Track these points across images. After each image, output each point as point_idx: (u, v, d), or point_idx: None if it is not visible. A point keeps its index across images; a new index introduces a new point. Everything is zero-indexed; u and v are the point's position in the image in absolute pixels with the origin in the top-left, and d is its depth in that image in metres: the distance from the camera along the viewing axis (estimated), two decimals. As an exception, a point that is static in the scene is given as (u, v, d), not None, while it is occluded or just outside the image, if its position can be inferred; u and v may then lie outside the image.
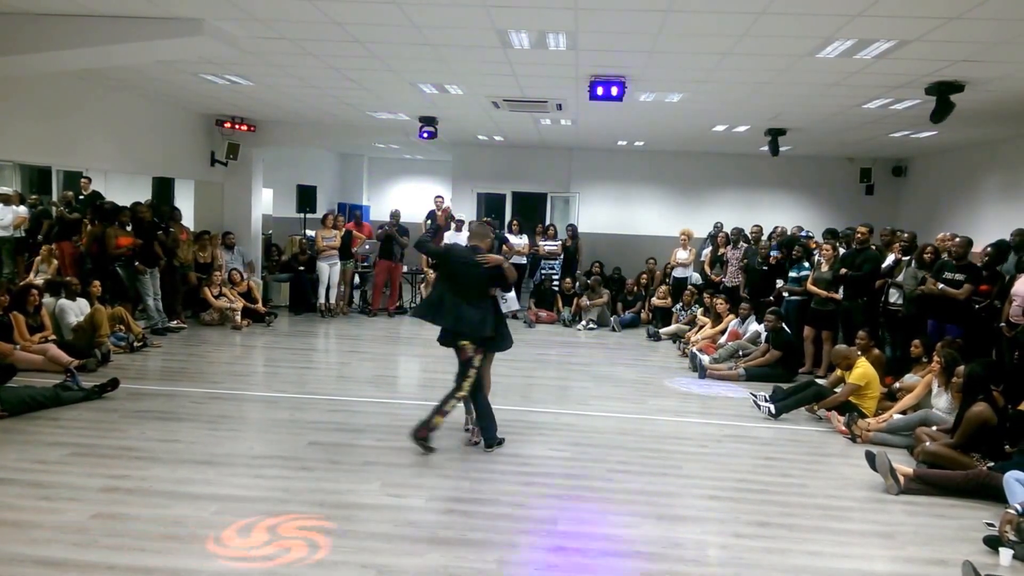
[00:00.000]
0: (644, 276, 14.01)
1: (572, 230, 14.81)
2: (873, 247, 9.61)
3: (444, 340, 6.08)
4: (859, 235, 9.42)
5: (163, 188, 14.91)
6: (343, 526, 4.61)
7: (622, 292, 13.98)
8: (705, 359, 9.68)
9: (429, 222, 13.81)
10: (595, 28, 6.55)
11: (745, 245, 12.16)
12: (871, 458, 5.73)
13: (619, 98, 8.54)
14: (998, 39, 6.31)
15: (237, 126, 13.03)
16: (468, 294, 5.89)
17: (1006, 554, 4.46)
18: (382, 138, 15.22)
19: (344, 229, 13.35)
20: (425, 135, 12.31)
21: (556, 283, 13.86)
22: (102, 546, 4.21)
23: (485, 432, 6.15)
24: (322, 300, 12.98)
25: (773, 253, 11.18)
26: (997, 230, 10.01)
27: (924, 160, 15.09)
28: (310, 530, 4.53)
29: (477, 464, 5.80)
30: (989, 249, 8.43)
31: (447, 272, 6.05)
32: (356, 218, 14.24)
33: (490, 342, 6.06)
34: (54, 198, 14.59)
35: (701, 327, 11.38)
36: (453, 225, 13.54)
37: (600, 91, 8.45)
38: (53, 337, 8.63)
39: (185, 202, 14.22)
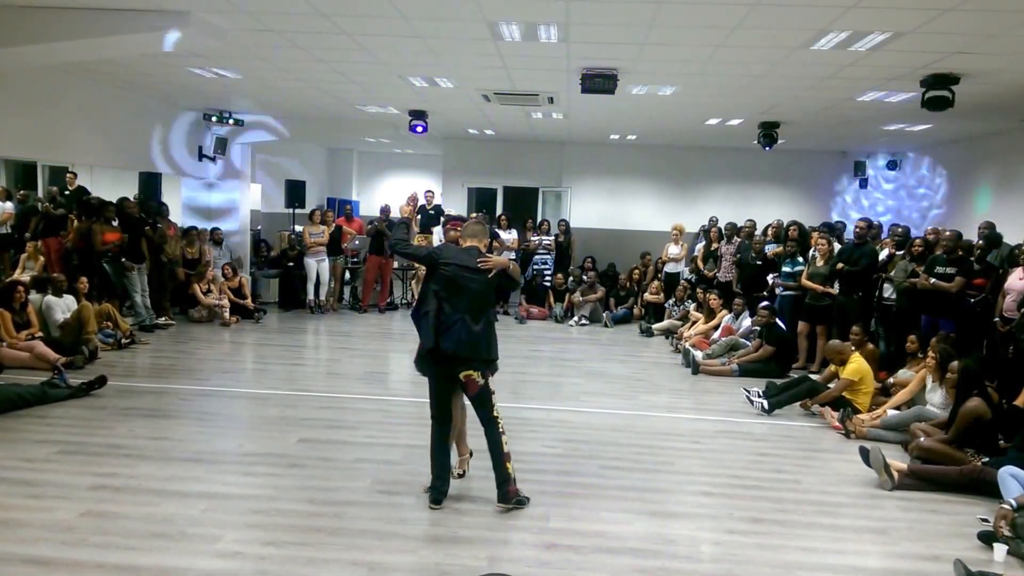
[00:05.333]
0: (636, 272, 13.97)
1: (564, 225, 14.76)
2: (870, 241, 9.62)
3: (437, 367, 4.87)
4: (857, 229, 9.39)
5: (150, 183, 14.80)
6: (334, 523, 4.57)
7: (615, 288, 13.95)
8: (698, 355, 9.65)
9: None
10: (587, 19, 6.49)
11: (739, 240, 12.13)
12: (865, 454, 5.70)
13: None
14: (993, 31, 6.28)
15: (225, 120, 12.93)
16: (470, 307, 4.75)
17: (1000, 550, 4.44)
18: (371, 132, 15.12)
19: (334, 224, 13.27)
20: (420, 129, 12.21)
21: (548, 279, 13.82)
22: (91, 544, 4.17)
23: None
24: (311, 296, 12.91)
25: (770, 247, 11.15)
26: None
27: (919, 154, 15.09)
28: (300, 528, 4.49)
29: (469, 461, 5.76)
30: (980, 242, 8.44)
31: (441, 281, 4.81)
32: (346, 212, 14.15)
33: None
34: (39, 194, 14.48)
35: (694, 323, 11.36)
36: (443, 221, 13.45)
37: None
38: (40, 334, 8.54)
39: (172, 197, 14.11)
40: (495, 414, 4.85)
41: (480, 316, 4.79)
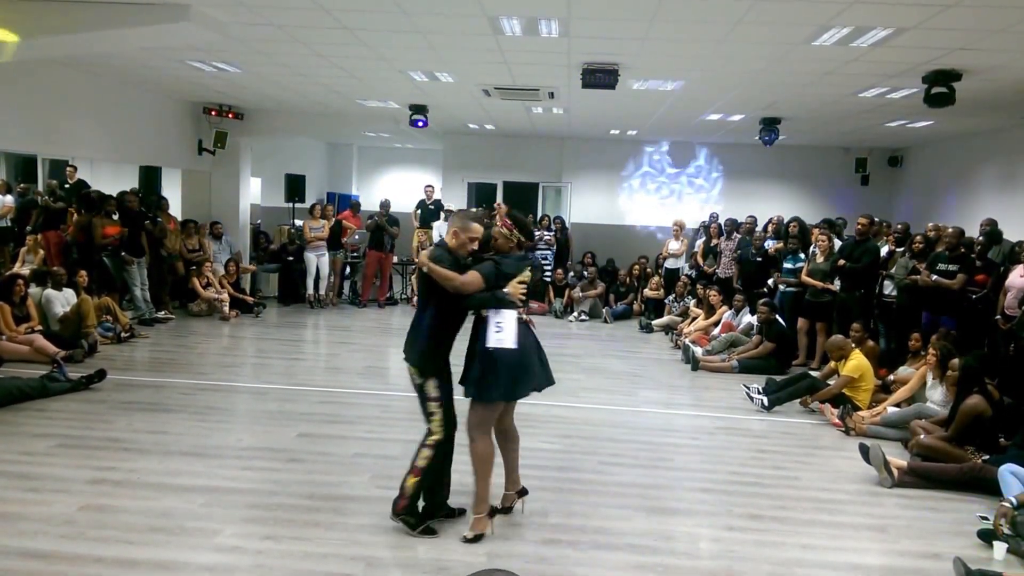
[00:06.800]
0: (636, 267, 13.95)
1: (560, 222, 14.73)
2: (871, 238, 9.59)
3: None
4: (859, 226, 9.36)
5: (150, 177, 14.79)
6: (332, 518, 4.57)
7: (614, 283, 13.94)
8: (698, 351, 9.63)
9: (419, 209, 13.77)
10: (587, 14, 6.47)
11: (739, 236, 12.12)
12: (865, 451, 5.70)
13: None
14: (996, 27, 6.26)
15: (225, 114, 12.90)
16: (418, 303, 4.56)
17: (1000, 548, 4.44)
18: (372, 127, 15.09)
19: (335, 219, 13.25)
20: (420, 123, 12.18)
21: (548, 274, 13.81)
22: (89, 538, 4.17)
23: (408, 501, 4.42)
24: (310, 291, 12.91)
25: (770, 243, 11.13)
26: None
27: (920, 150, 15.07)
28: (299, 522, 4.49)
29: (467, 457, 5.74)
30: (981, 238, 8.42)
31: None
32: (352, 207, 14.10)
33: (469, 382, 4.36)
34: (40, 187, 14.46)
35: (694, 319, 11.35)
36: (443, 215, 13.44)
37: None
38: (39, 328, 8.54)
39: (172, 191, 14.09)
40: (433, 428, 4.39)
41: (418, 312, 4.47)
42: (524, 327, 4.40)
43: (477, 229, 4.33)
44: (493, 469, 4.46)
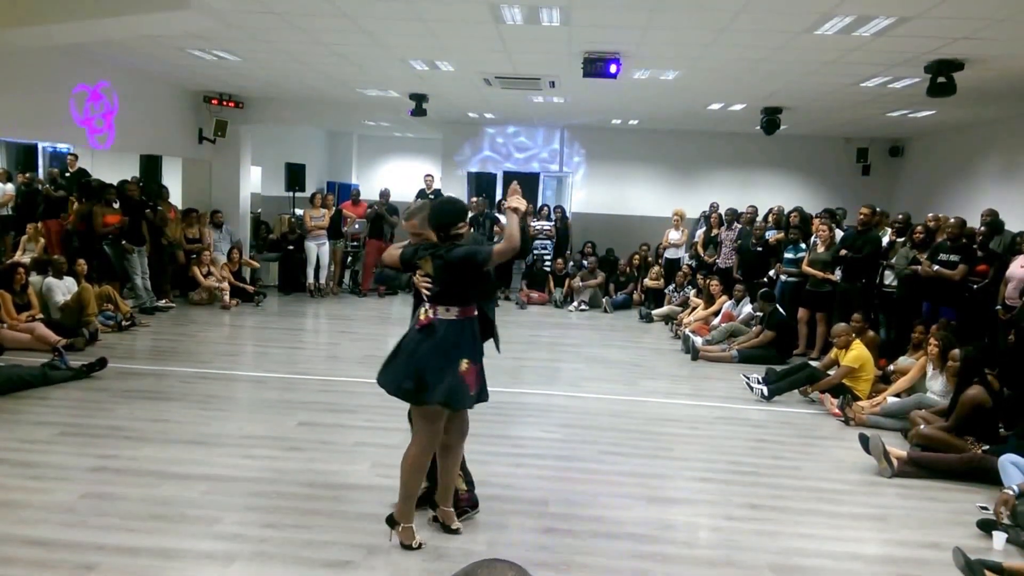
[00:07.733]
0: (636, 257, 13.94)
1: (560, 211, 14.71)
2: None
3: None
4: (861, 216, 9.33)
5: (150, 166, 14.76)
6: (333, 506, 4.58)
7: (615, 273, 13.94)
8: (698, 341, 9.64)
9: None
10: (589, 3, 6.44)
11: (739, 226, 12.11)
12: (865, 441, 5.70)
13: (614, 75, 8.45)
14: (1000, 16, 6.22)
15: (225, 103, 12.87)
16: None
17: (999, 537, 4.45)
18: (372, 115, 15.05)
19: (335, 208, 13.22)
20: (410, 112, 12.08)
21: (548, 264, 13.81)
22: (91, 526, 4.18)
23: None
24: (311, 280, 12.90)
25: (770, 233, 11.12)
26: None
27: (922, 140, 15.02)
28: (300, 510, 4.50)
29: (467, 446, 5.74)
30: (982, 228, 8.40)
31: None
32: (353, 196, 14.08)
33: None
34: (40, 175, 14.46)
35: (694, 309, 11.35)
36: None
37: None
38: (40, 316, 8.55)
39: (173, 180, 14.06)
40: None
41: None
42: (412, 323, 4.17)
43: (400, 223, 4.20)
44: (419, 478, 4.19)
